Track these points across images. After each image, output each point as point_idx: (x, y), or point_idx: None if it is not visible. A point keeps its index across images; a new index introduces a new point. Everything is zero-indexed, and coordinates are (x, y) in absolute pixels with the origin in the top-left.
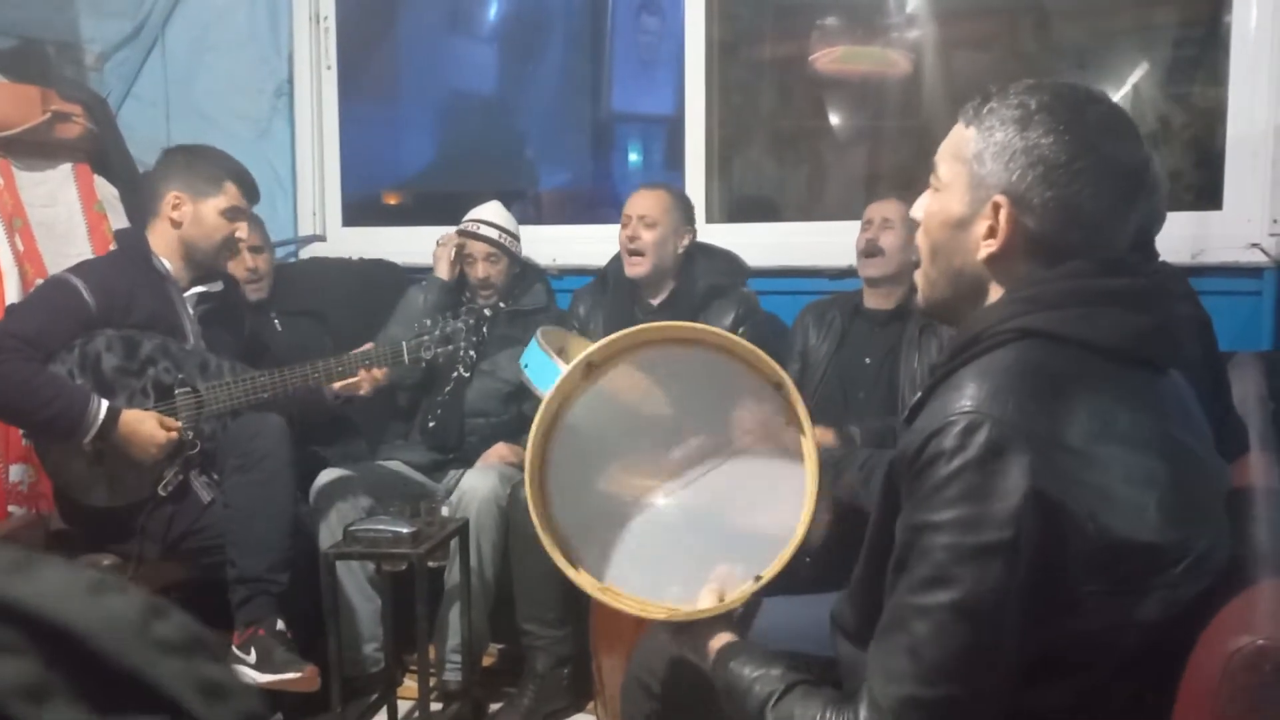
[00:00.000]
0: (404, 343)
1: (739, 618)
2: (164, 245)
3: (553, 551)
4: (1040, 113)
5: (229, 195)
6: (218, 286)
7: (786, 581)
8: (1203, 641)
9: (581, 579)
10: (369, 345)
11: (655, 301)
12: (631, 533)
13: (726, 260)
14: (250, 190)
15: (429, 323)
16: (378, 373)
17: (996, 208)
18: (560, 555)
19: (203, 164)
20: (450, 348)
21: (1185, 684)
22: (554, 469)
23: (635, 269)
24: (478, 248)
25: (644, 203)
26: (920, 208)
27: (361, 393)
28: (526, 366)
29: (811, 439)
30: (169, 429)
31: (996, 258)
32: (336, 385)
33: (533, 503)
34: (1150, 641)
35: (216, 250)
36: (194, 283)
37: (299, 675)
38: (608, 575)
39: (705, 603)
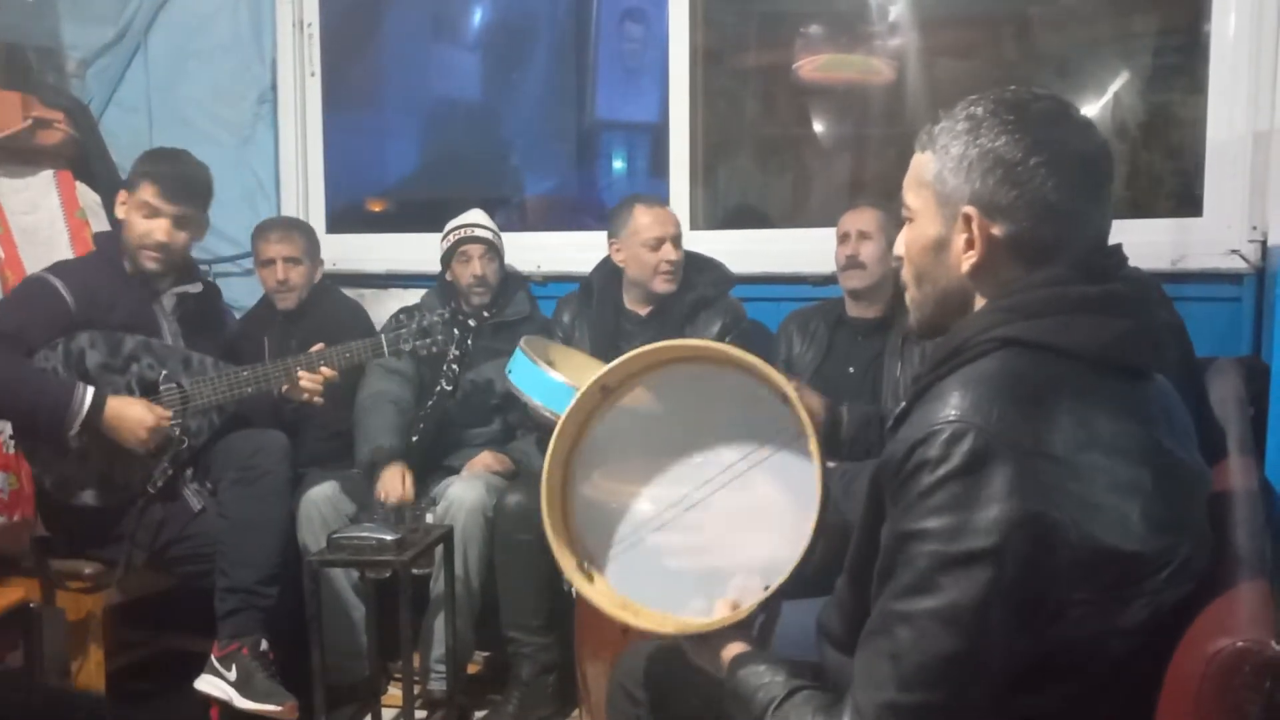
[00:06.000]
0: (383, 335)
1: (760, 627)
2: (126, 245)
3: (570, 569)
4: (988, 119)
5: (145, 193)
6: (196, 288)
7: (785, 588)
8: (1184, 644)
9: (599, 595)
10: (319, 346)
11: (643, 313)
12: (650, 550)
13: (714, 270)
14: (170, 189)
15: (404, 317)
16: (327, 371)
17: (968, 219)
18: (578, 571)
19: (141, 162)
20: (428, 340)
21: (1167, 686)
22: (576, 487)
23: (670, 285)
24: (474, 248)
25: (674, 221)
26: (900, 243)
27: (316, 400)
28: (511, 373)
29: (817, 448)
30: (158, 415)
31: (979, 268)
32: (284, 388)
33: (550, 522)
34: (1134, 647)
35: (137, 248)
36: (174, 284)
37: (278, 709)
38: (627, 592)
39: (720, 615)
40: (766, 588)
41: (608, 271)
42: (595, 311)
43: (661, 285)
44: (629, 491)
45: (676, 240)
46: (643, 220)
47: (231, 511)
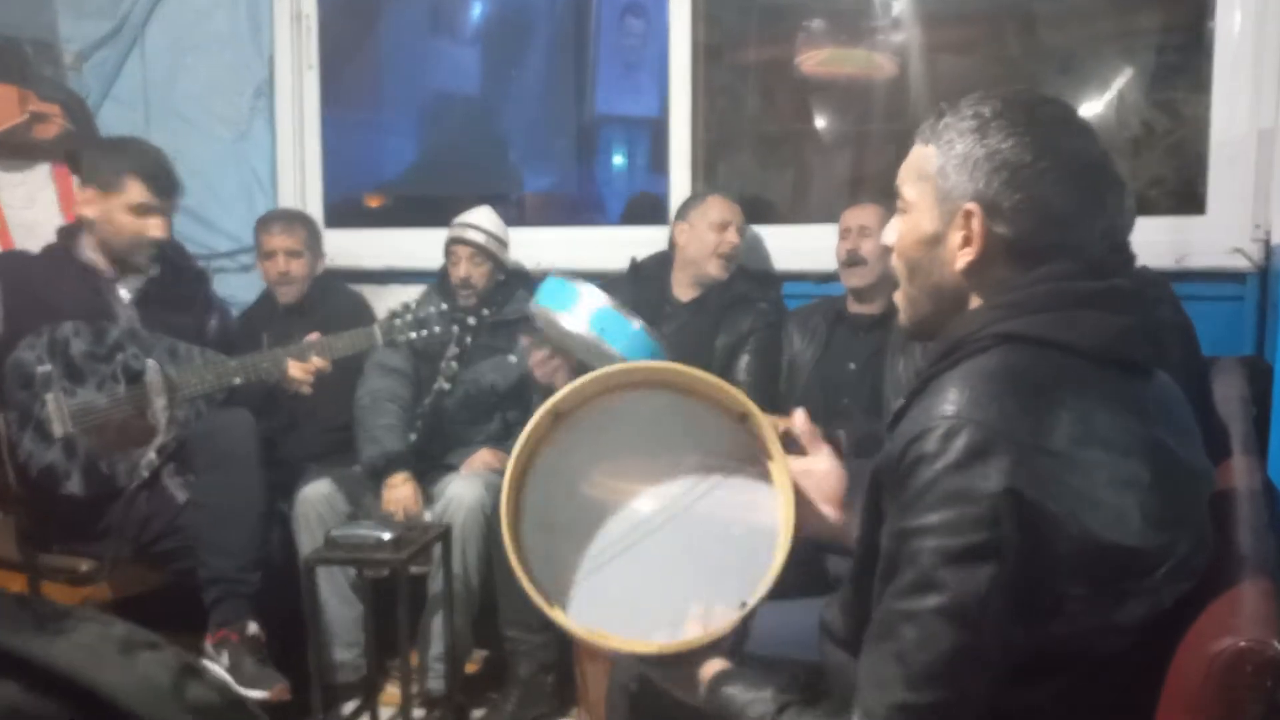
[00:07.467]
0: (377, 325)
1: (731, 646)
2: (90, 239)
3: (535, 596)
4: (996, 119)
5: (133, 192)
6: (154, 272)
7: (774, 588)
8: (1185, 644)
9: (568, 623)
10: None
11: (685, 299)
12: (613, 575)
13: (763, 277)
14: (159, 186)
15: (401, 307)
16: (318, 361)
17: (968, 216)
18: (543, 600)
19: (109, 159)
20: (424, 331)
21: (1168, 686)
22: (529, 516)
23: (723, 270)
24: (462, 249)
25: (741, 214)
26: (891, 232)
27: (305, 390)
28: (540, 297)
29: (782, 464)
30: None
31: (975, 266)
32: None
33: (512, 551)
34: (1133, 644)
35: (128, 248)
36: (133, 273)
37: (266, 694)
38: (593, 619)
39: (691, 636)
40: (743, 604)
41: (661, 259)
42: (640, 293)
43: (716, 267)
44: (587, 519)
45: (740, 230)
46: (714, 204)
47: (204, 498)
